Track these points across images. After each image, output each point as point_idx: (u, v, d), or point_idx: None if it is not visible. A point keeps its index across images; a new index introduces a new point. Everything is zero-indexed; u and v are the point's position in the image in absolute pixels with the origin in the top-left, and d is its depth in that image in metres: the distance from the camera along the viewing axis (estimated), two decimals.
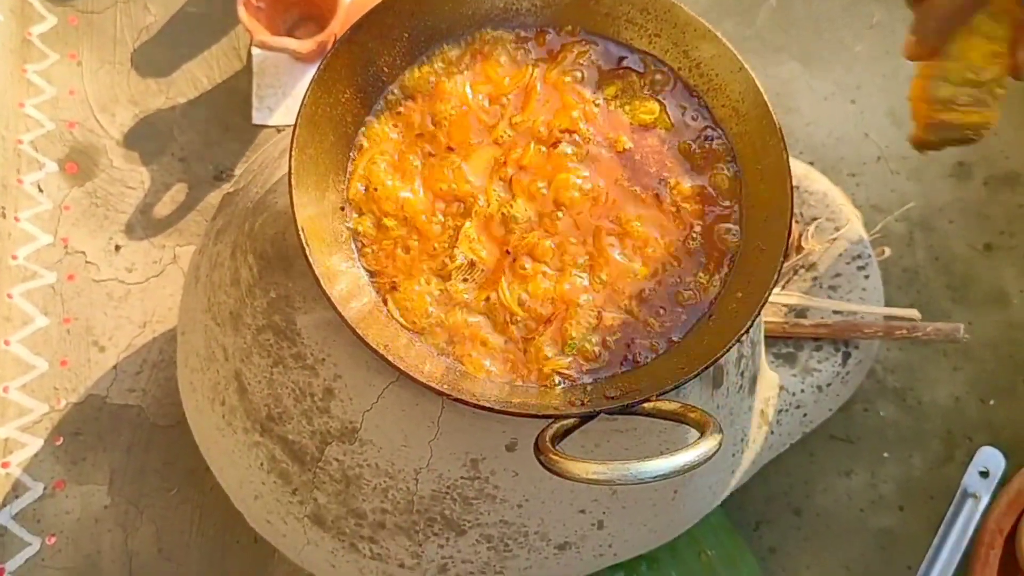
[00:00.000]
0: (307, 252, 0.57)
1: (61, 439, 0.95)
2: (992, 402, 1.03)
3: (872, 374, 1.02)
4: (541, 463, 0.52)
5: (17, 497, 0.93)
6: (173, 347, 0.99)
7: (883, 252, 0.96)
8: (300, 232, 0.57)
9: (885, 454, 1.01)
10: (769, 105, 0.62)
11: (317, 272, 0.57)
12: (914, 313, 0.88)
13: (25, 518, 0.92)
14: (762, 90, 0.63)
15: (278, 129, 1.07)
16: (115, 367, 0.98)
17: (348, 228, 0.63)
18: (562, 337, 0.62)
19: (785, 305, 0.86)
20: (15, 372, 0.96)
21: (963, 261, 1.08)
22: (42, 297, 1.00)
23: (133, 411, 0.97)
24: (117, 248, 1.03)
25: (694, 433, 0.67)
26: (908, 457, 1.01)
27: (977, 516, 0.90)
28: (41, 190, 1.03)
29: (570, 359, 0.62)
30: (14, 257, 0.99)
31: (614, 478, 0.49)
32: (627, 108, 0.66)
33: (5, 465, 0.93)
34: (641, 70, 0.67)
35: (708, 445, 0.50)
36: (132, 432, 0.96)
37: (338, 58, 0.62)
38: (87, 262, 1.02)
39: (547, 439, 0.53)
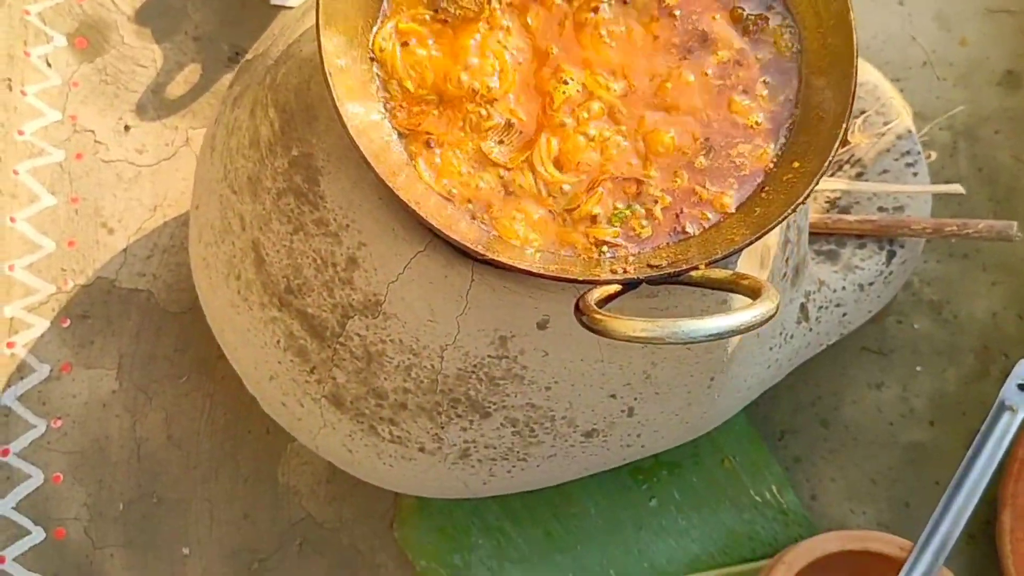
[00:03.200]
0: (333, 96, 0.53)
1: (68, 321, 0.92)
2: None
3: (908, 286, 0.98)
4: (583, 323, 0.48)
5: (22, 378, 0.90)
6: (184, 232, 0.96)
7: (929, 156, 0.92)
8: (327, 76, 0.53)
9: (918, 368, 0.97)
10: None
11: (345, 120, 0.53)
12: (957, 188, 0.84)
13: (30, 400, 0.90)
14: None
15: None
16: (124, 250, 0.95)
17: (377, 79, 0.59)
18: (605, 206, 0.58)
19: (828, 197, 0.82)
20: (21, 250, 0.93)
21: (1008, 172, 1.03)
22: (49, 175, 0.96)
23: (143, 296, 0.94)
24: (127, 128, 0.98)
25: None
26: (941, 372, 0.97)
27: (1014, 429, 0.87)
28: (49, 64, 0.99)
29: (615, 228, 0.58)
30: (20, 132, 0.95)
31: (664, 336, 0.45)
32: None
33: (10, 345, 0.90)
34: None
35: (766, 306, 0.46)
36: (141, 317, 0.93)
37: None
38: (96, 141, 0.97)
39: (589, 301, 0.50)
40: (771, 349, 0.72)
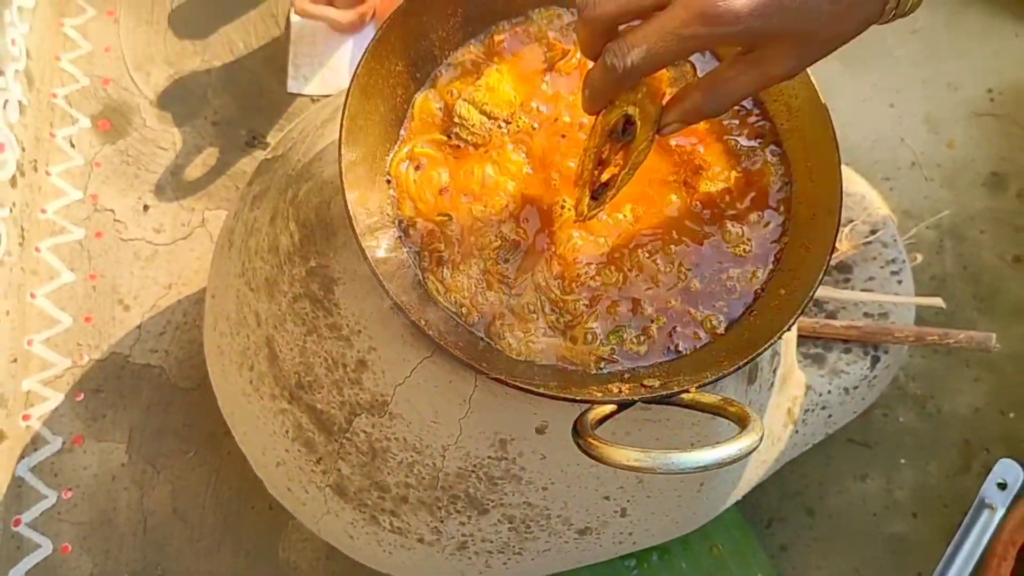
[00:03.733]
0: (353, 224, 0.57)
1: (82, 395, 0.95)
2: (1012, 415, 1.03)
3: (894, 380, 1.01)
4: (580, 447, 0.52)
5: (36, 450, 0.93)
6: (198, 310, 0.99)
7: (915, 258, 0.96)
8: (347, 206, 0.57)
9: (902, 460, 1.01)
10: (824, 101, 0.62)
11: (362, 244, 0.57)
12: (937, 301, 0.88)
13: (43, 471, 0.93)
14: (817, 87, 0.62)
15: (312, 99, 1.07)
16: (139, 327, 0.98)
17: (392, 200, 0.63)
18: (603, 324, 0.62)
19: (816, 303, 0.86)
20: (39, 326, 0.96)
21: (992, 272, 1.07)
22: (69, 252, 1.00)
23: (155, 371, 0.97)
24: (146, 208, 1.02)
25: (725, 427, 0.67)
26: (925, 464, 1.01)
27: (992, 527, 0.90)
28: (73, 145, 1.03)
29: (611, 346, 0.61)
30: (43, 211, 0.99)
31: (655, 467, 0.48)
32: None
33: (26, 418, 0.93)
34: (695, 61, 0.67)
35: (751, 439, 0.50)
36: (152, 392, 0.96)
37: (392, 30, 0.62)
38: (115, 220, 1.01)
39: (587, 423, 0.53)
40: (759, 452, 0.75)
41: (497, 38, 0.67)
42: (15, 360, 0.92)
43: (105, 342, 0.97)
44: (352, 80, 0.60)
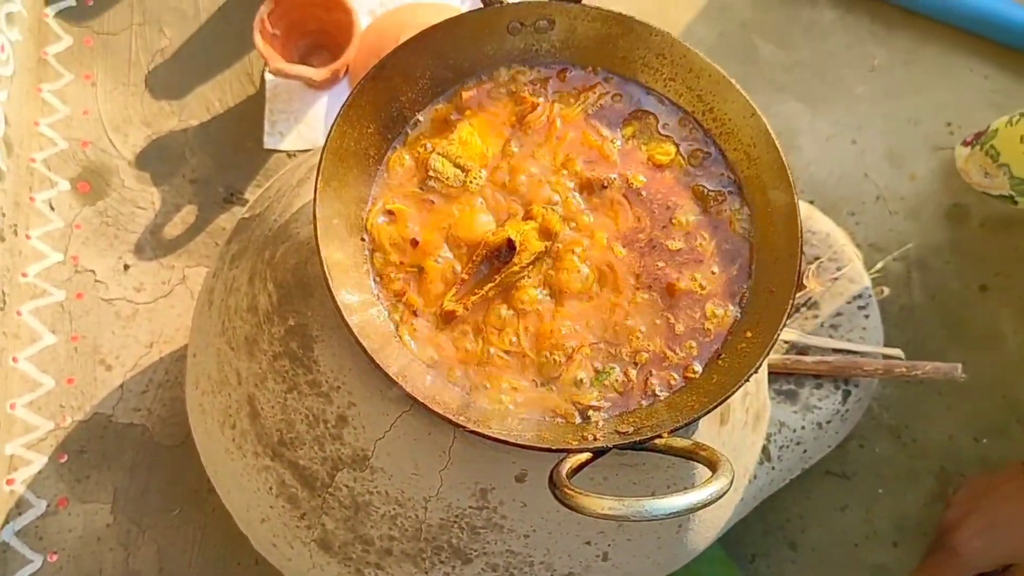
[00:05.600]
0: (330, 287, 0.58)
1: (65, 456, 0.96)
2: (985, 440, 1.05)
3: (868, 411, 1.03)
4: (556, 497, 0.53)
5: (20, 514, 0.93)
6: (179, 367, 1.00)
7: (881, 292, 0.98)
8: (324, 267, 0.58)
9: (880, 490, 1.02)
10: (781, 151, 0.64)
11: (339, 304, 0.58)
12: (898, 352, 0.90)
13: (28, 535, 0.93)
14: (774, 136, 0.65)
15: (289, 154, 1.09)
16: (121, 386, 0.99)
17: (367, 257, 0.64)
18: (587, 370, 0.64)
19: (786, 342, 0.88)
20: (22, 389, 0.97)
21: (959, 301, 1.10)
22: (51, 315, 1.00)
23: (137, 430, 0.98)
24: (126, 267, 1.04)
25: (700, 469, 0.69)
26: (902, 493, 1.02)
27: None
28: (53, 208, 1.04)
29: (595, 392, 0.63)
30: (24, 275, 1.00)
31: (629, 515, 0.50)
32: (644, 148, 0.68)
33: (10, 482, 0.93)
34: (657, 113, 0.69)
35: (720, 484, 0.51)
36: (136, 451, 0.97)
37: (363, 94, 0.64)
38: (96, 281, 1.02)
39: (562, 473, 0.54)
40: (736, 490, 0.77)
41: (465, 95, 0.69)
42: None
43: (88, 403, 0.98)
44: (324, 145, 0.62)
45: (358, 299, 0.62)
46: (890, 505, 1.02)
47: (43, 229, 1.03)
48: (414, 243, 0.64)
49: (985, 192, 1.08)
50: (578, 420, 0.62)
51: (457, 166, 0.66)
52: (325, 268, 0.58)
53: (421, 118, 0.68)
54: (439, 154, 0.66)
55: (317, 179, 0.60)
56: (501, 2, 0.66)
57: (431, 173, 0.66)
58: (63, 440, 0.96)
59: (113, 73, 1.11)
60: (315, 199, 0.60)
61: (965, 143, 1.10)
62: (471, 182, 0.66)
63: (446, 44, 0.67)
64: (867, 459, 1.03)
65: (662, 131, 0.69)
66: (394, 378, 0.58)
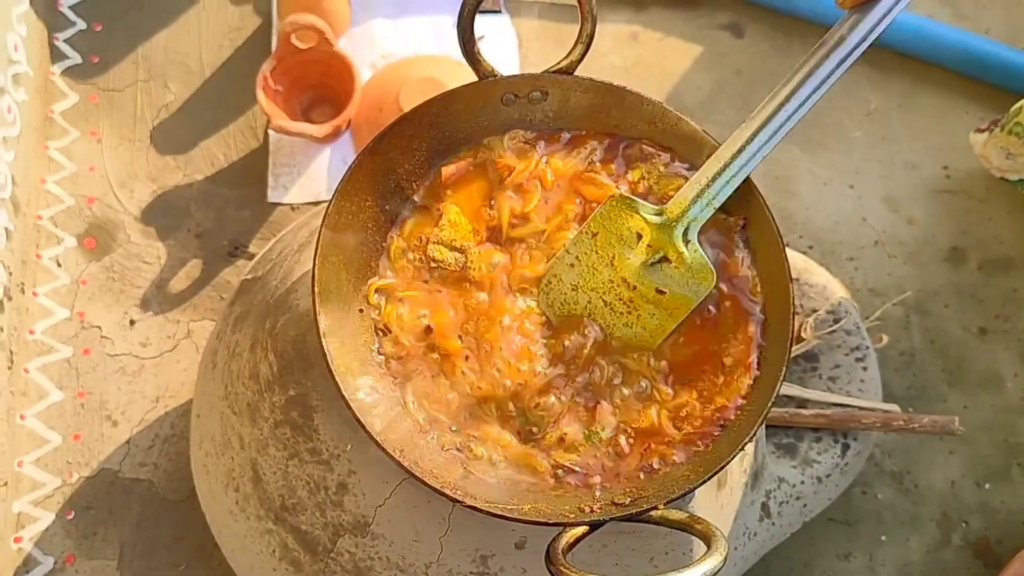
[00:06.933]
0: (329, 363, 0.59)
1: (72, 513, 0.97)
2: (988, 486, 1.05)
3: (870, 457, 1.03)
4: (552, 575, 0.54)
5: (28, 572, 0.94)
6: (184, 422, 1.01)
7: (880, 339, 0.99)
8: (323, 343, 0.60)
9: (883, 537, 1.02)
10: (768, 211, 0.65)
11: (338, 380, 0.59)
12: (895, 408, 0.91)
13: None
14: (762, 198, 0.65)
15: (292, 207, 1.10)
16: (127, 441, 1.00)
17: (370, 327, 0.66)
18: (573, 430, 0.65)
19: (785, 396, 0.88)
20: (29, 446, 0.98)
21: (958, 345, 1.10)
22: (58, 371, 1.02)
23: (144, 485, 0.99)
24: (132, 323, 1.05)
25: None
26: (905, 540, 1.02)
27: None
28: (59, 265, 1.06)
29: (576, 454, 0.64)
30: (31, 332, 1.02)
31: None
32: (655, 188, 0.69)
33: (17, 540, 0.94)
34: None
35: (713, 562, 0.52)
36: (142, 506, 0.98)
37: (361, 168, 0.65)
38: (102, 336, 1.04)
39: (559, 550, 0.55)
40: (736, 548, 0.77)
41: (445, 172, 0.70)
42: (5, 483, 0.94)
43: (95, 459, 0.99)
44: (323, 219, 0.63)
45: (359, 371, 0.63)
46: (893, 552, 1.02)
47: (50, 286, 1.04)
48: (428, 330, 0.66)
49: (1003, 177, 1.09)
50: (554, 481, 0.63)
51: (454, 249, 0.67)
52: (324, 346, 0.59)
53: (414, 203, 0.69)
54: (435, 243, 0.67)
55: (316, 255, 0.62)
56: (495, 75, 0.67)
57: (433, 265, 0.67)
58: (70, 496, 0.97)
59: (119, 129, 1.13)
60: (314, 276, 0.61)
61: (979, 130, 1.10)
62: (471, 267, 0.67)
63: (442, 117, 0.68)
64: (869, 506, 1.03)
65: (669, 168, 0.70)
66: (392, 454, 0.59)
